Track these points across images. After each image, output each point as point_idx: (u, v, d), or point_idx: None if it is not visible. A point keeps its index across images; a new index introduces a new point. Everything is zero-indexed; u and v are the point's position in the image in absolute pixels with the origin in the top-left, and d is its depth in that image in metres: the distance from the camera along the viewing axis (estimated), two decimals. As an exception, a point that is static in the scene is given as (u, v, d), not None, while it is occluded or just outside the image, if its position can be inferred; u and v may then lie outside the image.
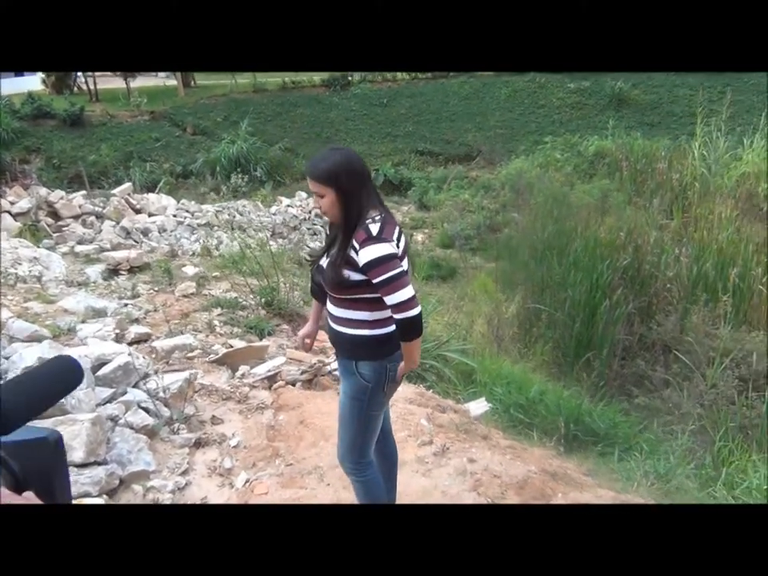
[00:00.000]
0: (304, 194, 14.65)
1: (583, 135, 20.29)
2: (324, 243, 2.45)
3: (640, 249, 8.45)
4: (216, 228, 10.89)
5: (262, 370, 3.87)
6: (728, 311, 7.59)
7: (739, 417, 5.01)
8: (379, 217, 2.15)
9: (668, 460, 3.38)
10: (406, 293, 2.11)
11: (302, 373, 3.83)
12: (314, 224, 13.25)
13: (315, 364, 4.00)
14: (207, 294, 5.85)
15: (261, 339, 4.84)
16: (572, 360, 7.26)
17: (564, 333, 7.62)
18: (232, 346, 4.24)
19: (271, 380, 3.83)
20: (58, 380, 0.83)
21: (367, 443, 2.37)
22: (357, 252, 2.11)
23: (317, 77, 25.38)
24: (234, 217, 11.75)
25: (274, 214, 12.87)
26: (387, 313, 2.18)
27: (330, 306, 2.30)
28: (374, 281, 2.10)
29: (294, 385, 3.89)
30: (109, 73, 28.60)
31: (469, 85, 25.37)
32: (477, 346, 6.79)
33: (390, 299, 2.10)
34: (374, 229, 2.11)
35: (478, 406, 3.74)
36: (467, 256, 12.15)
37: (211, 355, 4.04)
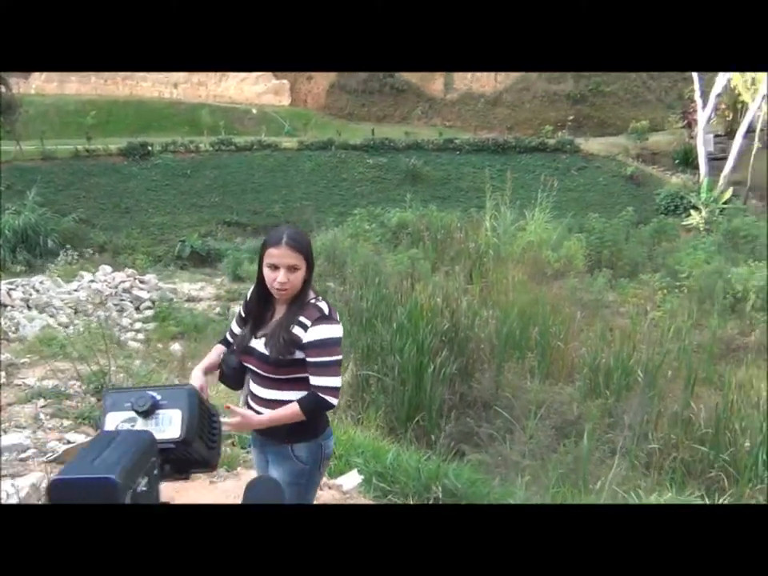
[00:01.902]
0: (108, 268, 13.76)
1: (384, 207, 21.59)
2: (244, 323, 2.32)
3: (455, 313, 9.09)
4: (10, 308, 9.80)
5: (111, 464, 3.52)
6: (534, 366, 8.40)
7: (565, 464, 5.51)
8: (321, 297, 2.15)
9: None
10: (339, 380, 2.12)
11: (161, 463, 3.55)
12: (122, 299, 12.45)
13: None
14: (21, 383, 5.22)
15: (96, 431, 4.41)
16: (405, 423, 7.49)
17: (395, 398, 7.87)
18: (70, 442, 3.82)
19: (123, 474, 3.50)
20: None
21: None
22: (306, 329, 2.08)
23: (113, 145, 24.26)
24: (31, 295, 10.67)
25: (75, 290, 11.90)
26: None
27: (258, 390, 2.21)
28: (315, 359, 2.07)
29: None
30: None
31: (273, 158, 25.89)
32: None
33: (323, 381, 2.08)
34: (325, 308, 2.11)
35: (350, 479, 3.73)
36: (288, 326, 12.12)
37: (48, 454, 3.60)
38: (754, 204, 24.25)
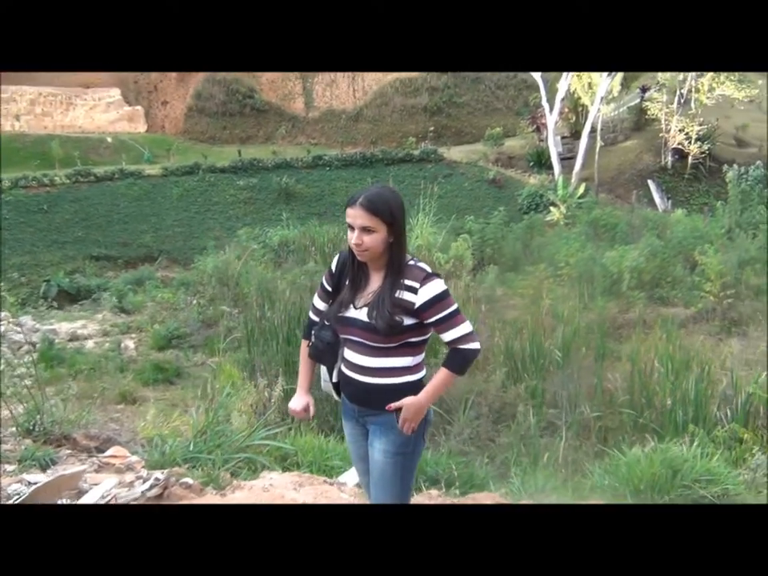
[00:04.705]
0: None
1: (261, 228, 21.28)
2: (329, 296, 2.23)
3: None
4: None
5: (92, 498, 3.21)
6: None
7: (516, 444, 5.73)
8: (416, 258, 2.12)
9: (535, 480, 3.76)
10: (469, 324, 2.09)
11: (151, 488, 3.29)
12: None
13: (149, 476, 3.47)
14: (-68, 436, 4.62)
15: (44, 471, 4.02)
16: (338, 430, 7.43)
17: (328, 405, 7.78)
18: (32, 483, 3.44)
19: (107, 507, 3.20)
20: None
21: (409, 498, 2.21)
22: (416, 291, 2.02)
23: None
24: None
25: (-58, 341, 10.68)
26: (423, 356, 2.14)
27: (361, 359, 2.11)
28: (437, 316, 2.03)
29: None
30: None
31: (137, 186, 24.76)
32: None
33: (455, 332, 2.06)
34: (427, 266, 2.07)
35: (352, 476, 3.65)
36: (189, 354, 11.63)
37: (14, 498, 3.22)
38: (603, 197, 26.45)
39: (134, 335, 12.84)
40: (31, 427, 4.62)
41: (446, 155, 28.89)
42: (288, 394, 8.13)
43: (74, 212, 22.99)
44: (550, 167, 27.61)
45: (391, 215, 2.05)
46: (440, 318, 2.08)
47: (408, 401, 2.08)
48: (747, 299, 12.42)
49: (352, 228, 2.06)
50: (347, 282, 2.20)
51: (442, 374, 2.12)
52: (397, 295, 2.07)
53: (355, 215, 2.03)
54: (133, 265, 21.48)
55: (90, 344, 12.14)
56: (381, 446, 2.19)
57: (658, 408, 6.88)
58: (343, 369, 2.23)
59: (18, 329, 12.30)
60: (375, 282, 2.15)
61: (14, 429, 4.62)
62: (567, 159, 27.94)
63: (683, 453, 3.52)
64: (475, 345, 2.11)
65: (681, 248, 15.07)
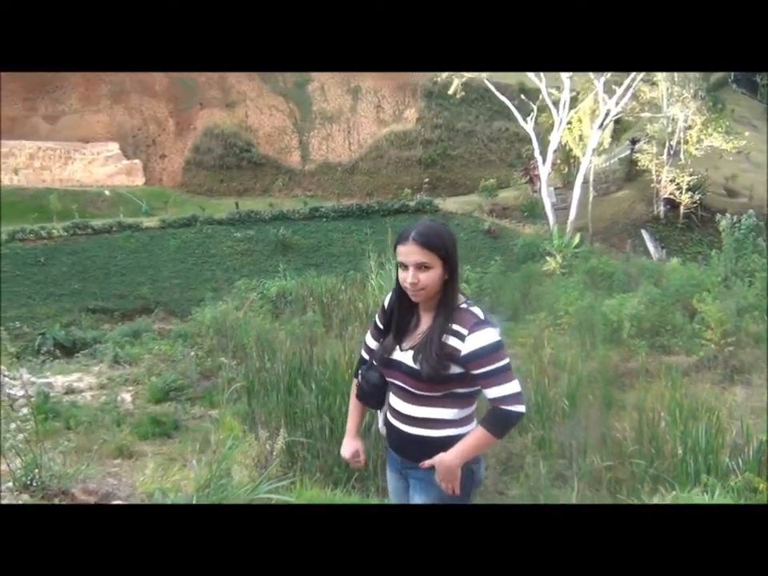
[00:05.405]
0: (-31, 368, 12.30)
1: (259, 279, 21.31)
2: (381, 335, 2.10)
3: (372, 368, 9.07)
4: None
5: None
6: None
7: (527, 495, 5.59)
8: (471, 301, 2.02)
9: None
10: (518, 384, 1.93)
11: (158, 545, 3.17)
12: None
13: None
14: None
15: (44, 529, 3.87)
16: (345, 482, 7.28)
17: (327, 459, 7.63)
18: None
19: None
20: None
21: None
22: (463, 338, 1.89)
23: (-49, 238, 22.18)
24: None
25: (-65, 396, 10.49)
26: (472, 409, 2.00)
27: (404, 407, 1.99)
28: (483, 370, 1.88)
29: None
30: None
31: (135, 238, 24.86)
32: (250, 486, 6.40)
33: (500, 390, 1.90)
34: (479, 312, 1.94)
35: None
36: (186, 407, 11.44)
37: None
38: (598, 246, 26.68)
39: (130, 388, 12.66)
40: (29, 482, 4.48)
41: (441, 206, 29.20)
42: (290, 446, 7.97)
43: (71, 264, 23.00)
44: (544, 217, 27.93)
45: (446, 250, 1.92)
46: (486, 372, 1.92)
47: (437, 459, 1.93)
48: (748, 347, 12.38)
49: (405, 266, 1.93)
50: (394, 321, 2.08)
51: (479, 432, 1.95)
52: (443, 340, 1.94)
53: (408, 252, 1.90)
54: (129, 317, 21.35)
55: (86, 397, 11.95)
56: (421, 501, 2.05)
57: (668, 457, 6.76)
58: (388, 415, 2.12)
59: (15, 382, 12.13)
60: (425, 323, 2.02)
61: (10, 484, 4.47)
62: (561, 209, 28.27)
63: (706, 502, 3.41)
64: (520, 408, 1.95)
65: (678, 296, 15.12)
